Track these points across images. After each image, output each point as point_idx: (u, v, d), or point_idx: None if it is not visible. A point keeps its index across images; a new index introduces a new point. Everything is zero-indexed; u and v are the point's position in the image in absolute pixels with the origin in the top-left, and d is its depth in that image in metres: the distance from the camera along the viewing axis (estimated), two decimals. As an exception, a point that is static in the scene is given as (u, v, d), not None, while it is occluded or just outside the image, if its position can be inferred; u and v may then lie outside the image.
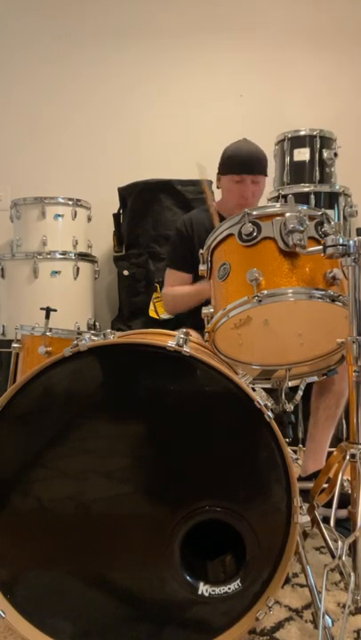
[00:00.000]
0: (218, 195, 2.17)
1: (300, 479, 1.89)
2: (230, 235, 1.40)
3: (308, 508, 1.37)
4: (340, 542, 1.16)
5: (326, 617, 1.12)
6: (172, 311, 2.24)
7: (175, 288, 2.10)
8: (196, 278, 2.04)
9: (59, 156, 3.39)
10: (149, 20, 3.39)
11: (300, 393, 1.54)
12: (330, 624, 1.12)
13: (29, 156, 3.38)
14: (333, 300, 1.31)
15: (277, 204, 1.52)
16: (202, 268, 1.49)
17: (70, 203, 2.94)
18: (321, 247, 1.26)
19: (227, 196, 2.07)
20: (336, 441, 1.92)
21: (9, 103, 3.42)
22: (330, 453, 1.56)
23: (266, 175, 2.04)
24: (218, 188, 2.13)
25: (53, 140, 3.39)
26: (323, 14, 3.37)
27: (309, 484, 1.50)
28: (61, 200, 2.92)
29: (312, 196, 2.75)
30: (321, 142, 2.82)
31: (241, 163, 1.97)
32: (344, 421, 2.04)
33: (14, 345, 1.88)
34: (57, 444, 1.10)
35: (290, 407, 1.48)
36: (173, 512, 1.08)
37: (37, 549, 1.10)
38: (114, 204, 3.14)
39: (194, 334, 1.58)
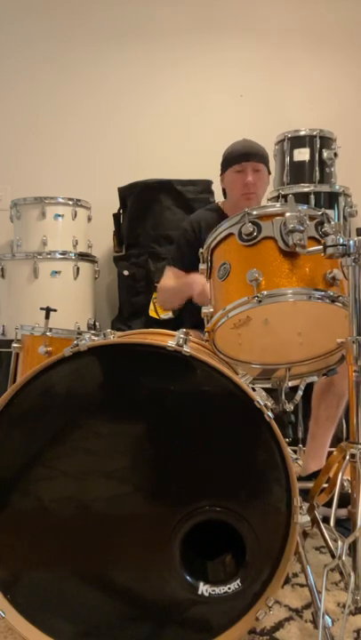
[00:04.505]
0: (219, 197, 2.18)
1: (301, 479, 1.89)
2: (230, 234, 1.40)
3: (308, 508, 1.37)
4: (340, 542, 1.17)
5: (326, 617, 1.12)
6: (162, 305, 2.31)
7: (165, 282, 2.13)
8: None
9: (59, 156, 3.38)
10: (149, 19, 3.39)
11: (300, 393, 1.54)
12: (330, 624, 1.12)
13: (29, 155, 3.38)
14: (333, 301, 1.31)
15: (277, 204, 1.53)
16: (202, 267, 1.50)
17: (70, 203, 2.93)
18: (321, 247, 1.26)
19: (231, 190, 2.09)
20: (336, 441, 1.92)
21: (9, 103, 3.41)
22: (330, 453, 1.56)
23: (267, 167, 2.07)
24: (223, 189, 2.14)
25: (53, 140, 3.39)
26: (323, 14, 3.37)
27: (309, 484, 1.50)
28: (61, 200, 2.92)
29: (312, 196, 2.75)
30: (321, 142, 2.82)
31: (240, 153, 2.03)
32: (344, 421, 2.03)
33: (14, 345, 1.88)
34: (57, 444, 1.10)
35: (290, 407, 1.48)
36: (173, 512, 1.08)
37: (38, 549, 1.11)
38: (114, 204, 3.13)
39: (194, 334, 1.58)
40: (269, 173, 2.10)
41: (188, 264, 2.02)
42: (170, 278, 2.13)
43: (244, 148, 2.04)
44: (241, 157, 2.02)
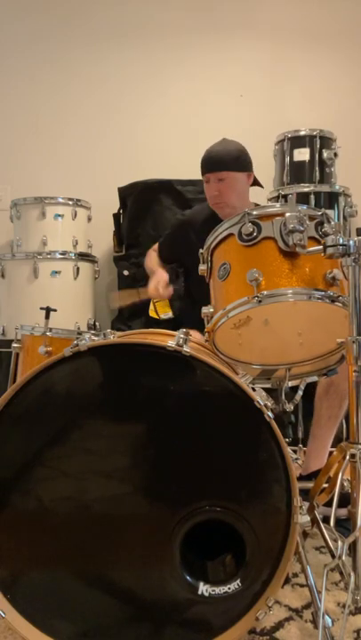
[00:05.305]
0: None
1: (301, 478, 1.89)
2: (230, 234, 1.39)
3: (308, 508, 1.37)
4: (340, 542, 1.16)
5: (326, 617, 1.12)
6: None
7: (153, 256, 2.35)
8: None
9: (59, 156, 3.38)
10: (149, 19, 3.39)
11: (300, 393, 1.54)
12: (330, 624, 1.12)
13: (29, 155, 3.38)
14: (333, 301, 1.31)
15: (277, 204, 1.53)
16: (202, 267, 1.49)
17: (70, 203, 2.93)
18: (321, 247, 1.26)
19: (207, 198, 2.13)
20: (337, 441, 1.92)
21: (9, 103, 3.42)
22: (331, 453, 1.56)
23: (237, 168, 2.01)
24: None
25: (53, 140, 3.39)
26: (323, 14, 3.37)
27: (310, 484, 1.50)
28: (61, 200, 2.92)
29: (312, 196, 2.75)
30: (321, 142, 2.82)
31: (203, 164, 2.04)
32: (344, 421, 2.03)
33: (14, 345, 1.88)
34: (57, 444, 1.10)
35: (290, 407, 1.48)
36: (173, 512, 1.08)
37: (38, 549, 1.11)
38: (114, 204, 3.14)
39: (194, 334, 1.58)
40: (246, 171, 2.04)
41: (165, 256, 2.31)
42: (151, 258, 2.35)
43: (209, 156, 2.02)
44: (204, 169, 2.03)
